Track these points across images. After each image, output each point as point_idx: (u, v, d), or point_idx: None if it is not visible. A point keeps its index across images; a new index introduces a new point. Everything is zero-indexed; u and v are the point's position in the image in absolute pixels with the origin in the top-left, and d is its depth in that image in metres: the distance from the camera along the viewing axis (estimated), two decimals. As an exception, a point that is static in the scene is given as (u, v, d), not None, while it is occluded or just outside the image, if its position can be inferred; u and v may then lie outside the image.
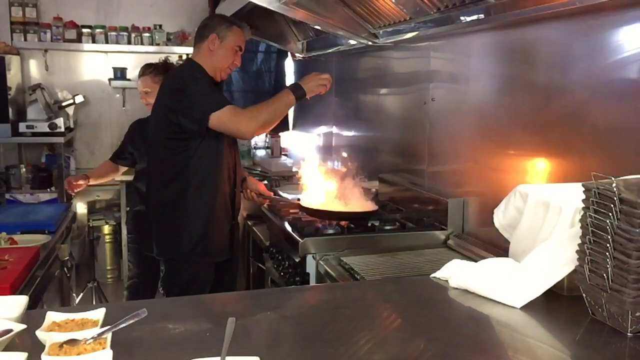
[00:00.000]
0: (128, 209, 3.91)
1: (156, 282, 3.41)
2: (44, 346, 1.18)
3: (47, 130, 4.47)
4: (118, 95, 5.23)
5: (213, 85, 2.64)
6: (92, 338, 1.20)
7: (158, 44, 5.16)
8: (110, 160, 3.59)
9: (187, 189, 2.59)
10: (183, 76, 2.66)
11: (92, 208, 5.07)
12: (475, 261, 1.86)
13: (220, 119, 2.49)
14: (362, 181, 2.82)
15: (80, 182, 3.43)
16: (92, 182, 3.51)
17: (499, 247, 2.06)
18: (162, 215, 2.66)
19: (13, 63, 4.61)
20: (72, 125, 4.88)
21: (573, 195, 1.51)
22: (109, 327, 1.24)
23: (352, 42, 3.22)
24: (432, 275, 1.81)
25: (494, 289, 1.58)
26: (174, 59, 4.93)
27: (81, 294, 3.95)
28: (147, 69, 3.36)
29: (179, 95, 2.55)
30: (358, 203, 2.68)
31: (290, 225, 2.56)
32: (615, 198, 1.31)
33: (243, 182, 2.91)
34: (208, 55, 2.65)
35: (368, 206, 2.67)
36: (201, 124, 2.49)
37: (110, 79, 5.15)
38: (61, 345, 1.18)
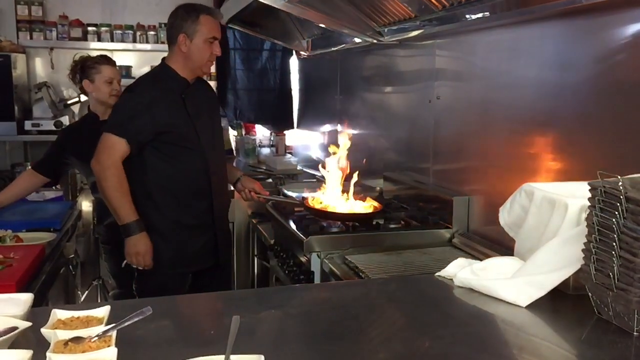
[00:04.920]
0: (95, 222, 3.52)
1: None
2: (49, 344, 1.18)
3: (53, 128, 4.48)
4: (123, 93, 5.23)
5: (160, 102, 2.49)
6: (97, 336, 1.20)
7: (163, 42, 5.16)
8: (44, 174, 3.13)
9: (149, 201, 2.54)
10: (139, 82, 2.61)
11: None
12: (480, 260, 1.85)
13: (102, 139, 2.46)
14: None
15: None
16: None
17: (504, 245, 2.06)
18: None
19: (19, 61, 4.62)
20: (77, 124, 4.89)
21: (579, 193, 1.51)
22: (114, 324, 1.24)
23: (357, 40, 3.22)
24: (436, 273, 1.80)
25: (499, 288, 1.58)
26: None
27: (86, 292, 3.95)
28: (111, 59, 3.21)
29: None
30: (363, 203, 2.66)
31: (295, 224, 2.55)
32: (621, 197, 1.30)
33: (237, 183, 2.86)
34: (182, 58, 2.54)
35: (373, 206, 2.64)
36: None
37: (115, 77, 5.14)
38: (66, 343, 1.18)
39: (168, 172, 2.54)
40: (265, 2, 2.72)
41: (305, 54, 4.42)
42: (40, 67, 5.01)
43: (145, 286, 2.62)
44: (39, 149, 4.88)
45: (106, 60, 3.20)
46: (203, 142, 2.58)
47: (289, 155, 4.76)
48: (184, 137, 2.54)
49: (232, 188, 2.94)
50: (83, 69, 3.15)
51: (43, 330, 1.24)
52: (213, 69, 5.34)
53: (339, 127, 4.02)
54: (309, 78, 4.85)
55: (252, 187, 2.84)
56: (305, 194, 2.86)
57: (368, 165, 3.23)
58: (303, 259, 2.41)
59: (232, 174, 2.89)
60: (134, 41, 5.10)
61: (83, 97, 4.80)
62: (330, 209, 2.55)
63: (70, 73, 3.24)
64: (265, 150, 5.08)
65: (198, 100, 2.63)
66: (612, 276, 1.33)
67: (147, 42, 5.12)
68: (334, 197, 2.65)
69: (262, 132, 5.32)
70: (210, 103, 2.76)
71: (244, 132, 5.19)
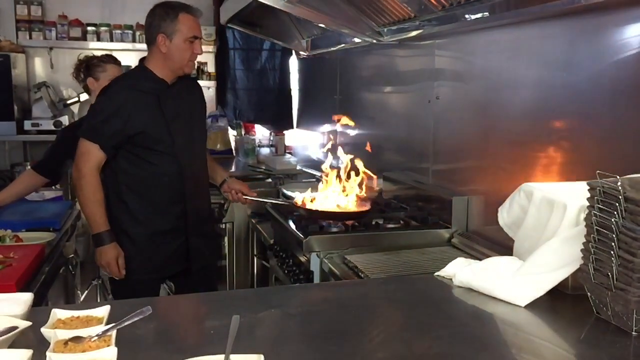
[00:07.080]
0: None
1: None
2: (49, 343, 1.18)
3: (52, 128, 4.49)
4: (123, 93, 5.23)
5: (133, 104, 2.43)
6: (96, 335, 1.20)
7: (163, 42, 5.17)
8: (43, 174, 3.10)
9: (121, 204, 2.52)
10: (113, 84, 2.55)
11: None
12: (480, 259, 1.86)
13: (79, 145, 2.45)
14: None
15: None
16: None
17: (503, 245, 2.05)
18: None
19: (18, 61, 4.62)
20: (77, 123, 4.89)
21: (578, 193, 1.51)
22: (113, 324, 1.24)
23: (356, 40, 3.22)
24: (436, 273, 1.80)
25: (498, 288, 1.58)
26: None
27: (86, 292, 3.95)
28: (117, 59, 3.23)
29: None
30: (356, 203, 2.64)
31: (295, 224, 2.55)
32: (620, 197, 1.31)
33: (223, 184, 2.79)
34: (161, 59, 2.46)
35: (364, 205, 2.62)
36: None
37: (115, 77, 5.15)
38: (66, 343, 1.18)
39: (140, 175, 2.50)
40: (264, 1, 2.72)
41: (305, 53, 4.42)
42: (39, 67, 5.02)
43: (118, 291, 2.62)
44: (39, 149, 4.89)
45: (112, 59, 3.22)
46: (178, 145, 2.50)
47: (288, 155, 4.76)
48: (156, 140, 2.47)
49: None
50: (88, 67, 3.16)
51: (43, 329, 1.24)
52: (213, 68, 5.35)
53: (338, 127, 4.02)
54: (309, 78, 4.85)
55: (238, 189, 2.77)
56: (296, 195, 2.81)
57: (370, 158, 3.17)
58: (302, 259, 2.41)
59: (218, 175, 2.82)
60: (134, 41, 5.11)
61: (82, 97, 4.82)
62: (321, 208, 2.54)
63: (75, 71, 3.24)
64: (265, 150, 5.08)
65: (177, 102, 2.54)
66: (610, 276, 1.34)
67: (147, 41, 5.11)
68: (328, 194, 2.64)
69: (261, 132, 5.32)
70: (194, 104, 2.65)
71: (243, 132, 5.19)
